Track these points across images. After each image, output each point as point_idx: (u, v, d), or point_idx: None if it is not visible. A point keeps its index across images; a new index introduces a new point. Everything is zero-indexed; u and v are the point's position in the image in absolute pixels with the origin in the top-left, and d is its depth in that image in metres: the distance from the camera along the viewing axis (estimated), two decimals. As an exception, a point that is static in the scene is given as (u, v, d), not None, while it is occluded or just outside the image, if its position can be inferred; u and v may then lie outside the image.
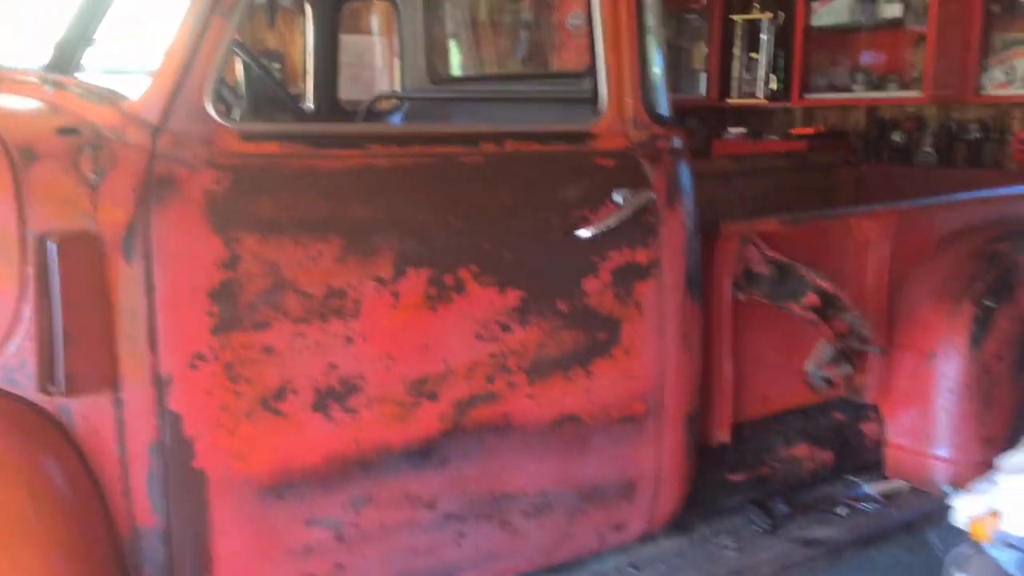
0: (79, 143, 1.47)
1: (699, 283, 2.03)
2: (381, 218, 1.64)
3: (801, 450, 2.50)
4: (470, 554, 1.82)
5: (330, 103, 3.19)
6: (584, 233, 1.81)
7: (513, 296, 1.76)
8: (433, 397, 1.71)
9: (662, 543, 2.28)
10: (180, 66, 1.52)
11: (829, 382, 2.55)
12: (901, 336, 2.63)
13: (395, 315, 1.65)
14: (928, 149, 4.72)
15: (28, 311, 1.42)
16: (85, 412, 1.46)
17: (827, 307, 2.37)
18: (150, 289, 1.47)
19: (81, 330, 1.42)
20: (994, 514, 1.51)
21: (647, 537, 2.24)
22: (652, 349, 1.93)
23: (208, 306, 1.51)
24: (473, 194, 1.73)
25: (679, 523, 2.32)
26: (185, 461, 1.53)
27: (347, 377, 1.62)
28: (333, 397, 1.62)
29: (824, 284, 2.33)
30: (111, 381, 1.46)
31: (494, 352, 1.75)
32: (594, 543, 1.99)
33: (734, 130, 5.61)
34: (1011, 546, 1.42)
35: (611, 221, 1.82)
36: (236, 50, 2.00)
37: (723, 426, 2.33)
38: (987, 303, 2.53)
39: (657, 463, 2.00)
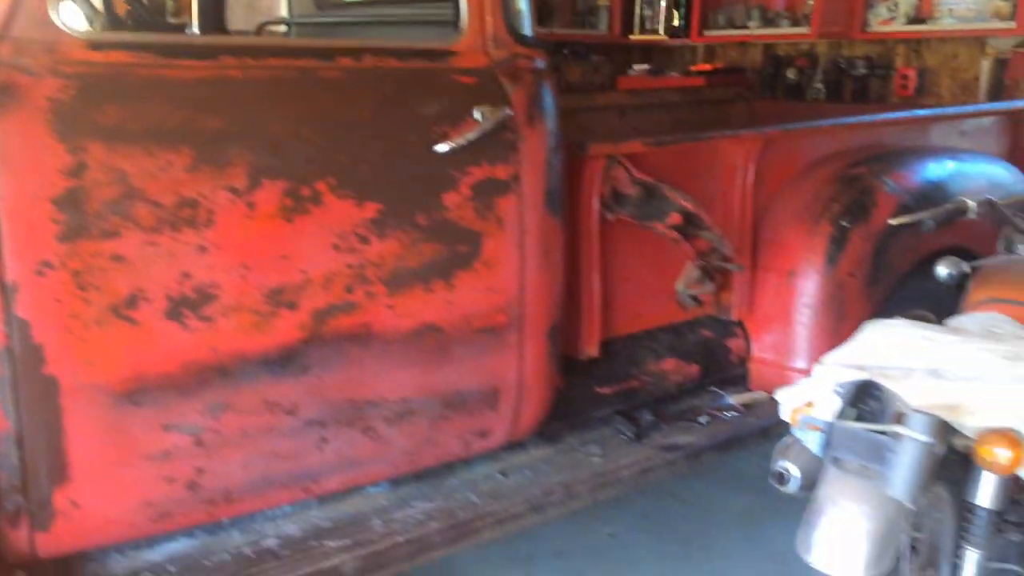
0: (-86, 48, 1.45)
1: (560, 200, 2.10)
2: (234, 129, 1.66)
3: (669, 364, 2.62)
4: (333, 459, 1.89)
5: (216, 30, 3.12)
6: (442, 148, 1.85)
7: (371, 209, 1.80)
8: (292, 306, 1.75)
9: (531, 451, 2.39)
10: (19, -29, 1.49)
11: (697, 300, 2.67)
12: (764, 257, 2.77)
13: (250, 225, 1.68)
14: (818, 85, 4.87)
15: None
16: (-74, 319, 1.46)
17: (689, 226, 2.47)
18: (-9, 197, 1.47)
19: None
20: (809, 403, 1.64)
21: (515, 445, 2.35)
22: (513, 263, 2.01)
23: (53, 214, 1.51)
24: (329, 108, 1.76)
25: (548, 433, 2.44)
26: (35, 367, 1.54)
27: (201, 286, 1.65)
28: (187, 305, 1.65)
29: (686, 204, 2.44)
30: (-47, 288, 1.46)
31: (352, 263, 1.80)
32: (459, 449, 2.08)
33: (638, 67, 5.68)
34: (814, 428, 1.55)
35: (469, 137, 1.87)
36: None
37: (591, 341, 2.44)
38: (843, 223, 2.68)
39: (520, 373, 2.09)
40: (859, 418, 1.53)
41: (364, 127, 1.79)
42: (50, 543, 1.65)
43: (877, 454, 1.48)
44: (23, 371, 1.54)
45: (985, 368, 1.63)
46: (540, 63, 2.05)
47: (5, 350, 1.52)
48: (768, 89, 5.17)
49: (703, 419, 2.62)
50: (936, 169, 2.92)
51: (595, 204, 2.34)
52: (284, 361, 1.77)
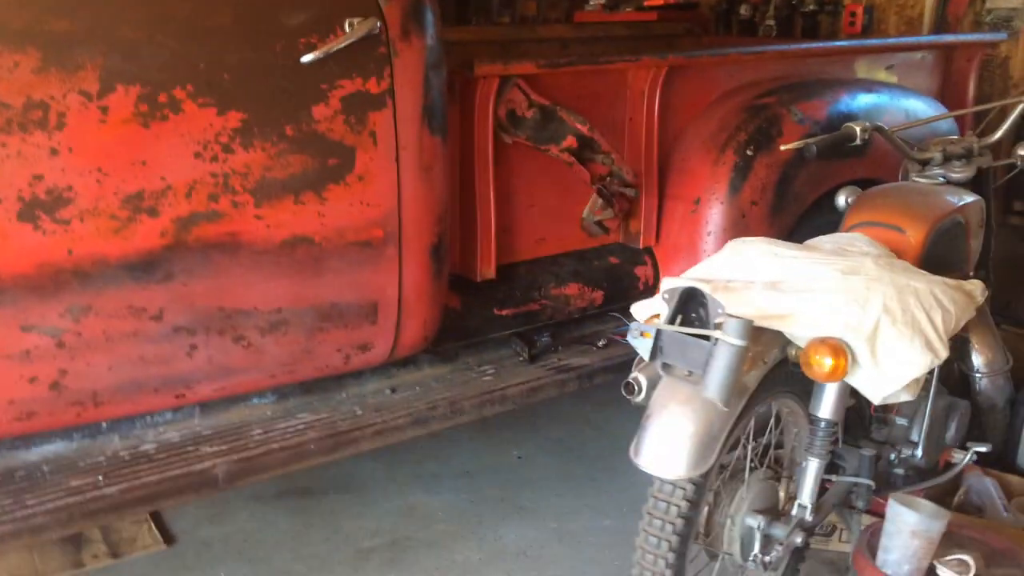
0: None
1: (442, 118, 2.11)
2: (84, 32, 1.66)
3: (572, 289, 2.65)
4: (204, 366, 1.93)
5: None
6: (308, 58, 1.86)
7: (234, 118, 1.81)
8: (153, 213, 1.77)
9: (424, 369, 2.45)
10: None
11: (603, 228, 2.70)
12: (673, 186, 2.78)
13: (104, 130, 1.70)
14: (770, 22, 4.82)
15: None
16: None
17: (585, 150, 2.49)
18: None
19: None
20: (656, 315, 1.68)
21: (407, 363, 2.40)
22: (388, 178, 2.02)
23: None
24: (186, 13, 1.76)
25: (443, 353, 2.49)
26: None
27: (54, 188, 1.67)
28: (40, 207, 1.67)
29: (582, 127, 2.45)
30: None
31: (216, 172, 1.81)
32: (339, 362, 2.12)
33: (594, 1, 5.61)
34: (645, 335, 1.59)
35: (335, 47, 1.87)
36: None
37: (487, 263, 2.47)
38: (747, 152, 2.69)
39: (400, 289, 2.12)
40: (685, 325, 1.57)
41: (224, 34, 1.79)
42: (-90, 438, 1.69)
43: (699, 359, 1.52)
44: None
45: (820, 281, 1.66)
46: (422, -23, 2.04)
47: None
48: (722, 25, 5.13)
49: (601, 342, 2.67)
50: (850, 102, 2.93)
51: (488, 125, 2.35)
52: (147, 267, 1.79)
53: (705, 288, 1.55)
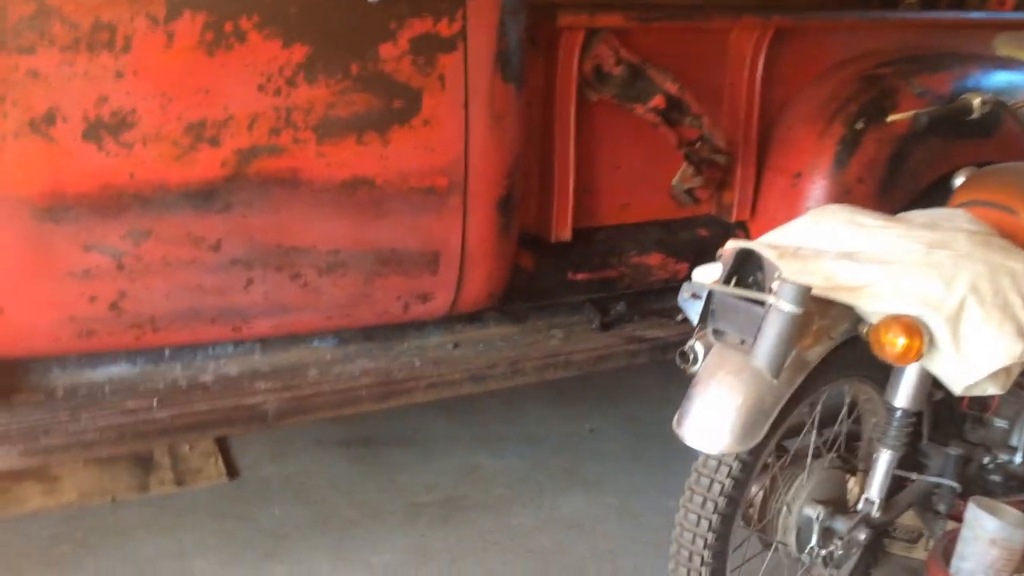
0: None
1: (518, 66, 2.02)
2: (154, -45, 1.67)
3: (654, 259, 2.54)
4: (260, 301, 1.93)
5: None
6: (377, -5, 1.81)
7: (299, 52, 1.79)
8: (214, 142, 1.77)
9: (491, 327, 2.39)
10: None
11: (693, 197, 2.56)
12: (773, 157, 2.62)
13: (170, 56, 1.70)
14: (913, -4, 4.50)
15: None
16: None
17: (673, 111, 2.35)
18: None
19: None
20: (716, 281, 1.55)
21: (471, 318, 2.34)
22: (455, 124, 1.96)
23: (-29, 24, 1.57)
24: (257, -58, 1.74)
25: (512, 313, 2.42)
26: (-44, 173, 1.63)
27: (119, 110, 1.69)
28: (105, 128, 1.69)
29: (671, 87, 2.32)
30: None
31: (278, 106, 1.80)
32: (398, 310, 2.08)
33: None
34: (694, 296, 1.47)
35: (403, -15, 1.82)
36: None
37: (563, 224, 2.38)
38: (856, 125, 2.49)
39: (464, 240, 2.06)
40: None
41: (295, -35, 1.77)
42: (-23, 346, 1.76)
43: (752, 326, 1.39)
44: (-57, 175, 1.62)
45: (902, 254, 1.50)
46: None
47: (-74, 153, 1.60)
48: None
49: (680, 317, 2.53)
50: (981, 78, 2.67)
51: (571, 80, 2.26)
52: (206, 196, 1.80)
53: (763, 250, 1.42)
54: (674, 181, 2.53)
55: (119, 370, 2.01)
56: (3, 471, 1.95)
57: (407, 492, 2.44)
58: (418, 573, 2.11)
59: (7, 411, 1.84)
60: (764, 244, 1.58)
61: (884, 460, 1.64)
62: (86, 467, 2.43)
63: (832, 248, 1.56)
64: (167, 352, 2.05)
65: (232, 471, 2.49)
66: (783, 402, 1.45)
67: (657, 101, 2.32)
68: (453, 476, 2.53)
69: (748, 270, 1.45)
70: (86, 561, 2.07)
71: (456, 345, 2.29)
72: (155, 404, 1.90)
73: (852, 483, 1.78)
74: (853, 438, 1.79)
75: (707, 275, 1.63)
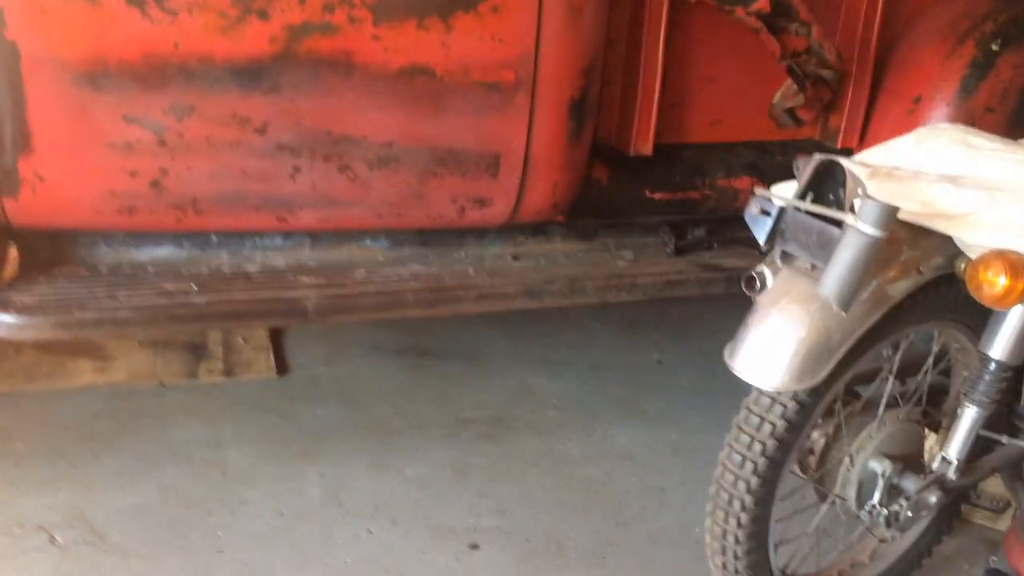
0: None
1: (602, -47, 1.83)
2: None
3: (743, 183, 2.33)
4: (307, 191, 1.83)
5: None
6: None
7: (359, -81, 1.64)
8: (263, 15, 1.65)
9: (556, 242, 2.24)
10: None
11: (796, 118, 2.33)
12: (889, 79, 2.35)
13: (220, -84, 1.58)
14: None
15: None
16: None
17: (778, 17, 2.11)
18: None
19: None
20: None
21: (536, 230, 2.20)
22: (526, 14, 1.79)
23: None
24: None
25: (580, 228, 2.27)
26: (-2, 30, 1.56)
27: (165, -27, 1.59)
28: (149, -8, 1.59)
29: (776, -13, 2.07)
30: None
31: (333, -21, 1.67)
32: (453, 214, 1.96)
33: None
34: (763, 212, 1.28)
35: None
36: None
37: (643, 137, 2.19)
38: (991, 46, 2.19)
39: (526, 143, 1.91)
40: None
41: None
42: (19, 212, 1.72)
43: (826, 250, 1.21)
44: (-14, 31, 1.56)
45: (1015, 181, 1.27)
46: None
47: (-31, 6, 1.54)
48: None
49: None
50: None
51: (666, -24, 2.04)
52: (253, 74, 1.69)
53: (846, 162, 1.21)
54: (775, 99, 2.30)
55: (164, 252, 1.96)
56: (49, 343, 1.94)
57: (455, 406, 2.35)
58: (452, 488, 2.03)
59: (47, 282, 1.81)
60: (855, 161, 1.37)
61: (969, 417, 1.44)
62: (140, 349, 2.43)
63: (934, 171, 1.34)
64: (214, 238, 1.98)
65: (282, 367, 2.45)
66: (853, 340, 1.26)
67: (761, 3, 2.07)
68: (506, 395, 2.43)
69: (828, 186, 1.26)
70: (124, 440, 2.07)
71: (516, 257, 2.16)
72: (194, 288, 1.84)
73: (931, 441, 1.59)
74: (938, 392, 1.58)
75: (786, 191, 1.44)
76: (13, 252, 1.85)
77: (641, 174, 2.25)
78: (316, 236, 2.04)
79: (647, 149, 2.20)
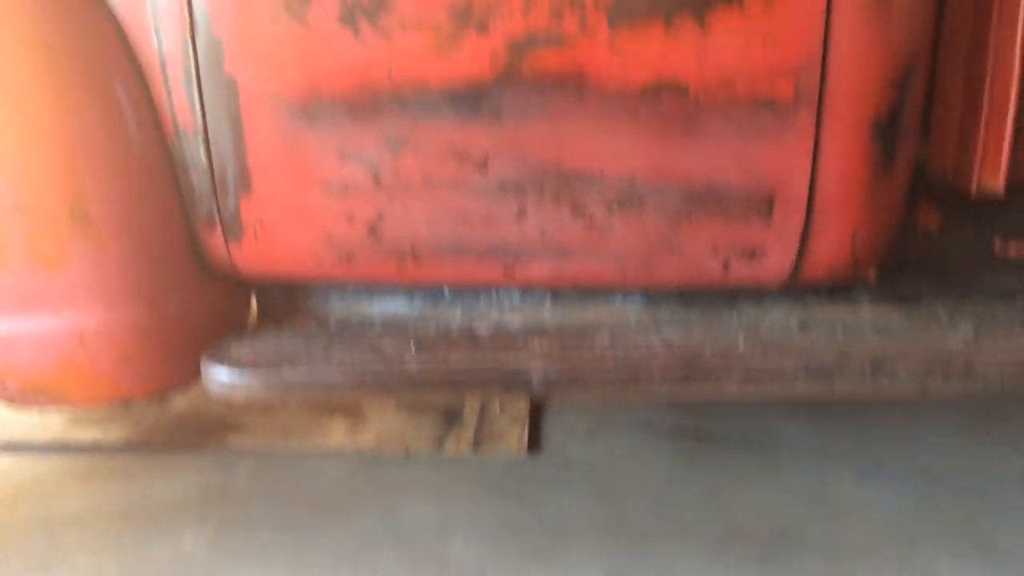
0: None
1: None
2: None
3: None
4: (535, 237, 1.55)
5: None
6: None
7: (594, -94, 1.35)
8: (482, 29, 1.42)
9: (862, 305, 1.74)
10: None
11: None
12: None
13: (435, -82, 1.38)
14: None
15: None
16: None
17: None
18: None
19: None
20: None
21: (834, 291, 1.72)
22: (811, 5, 1.37)
23: None
24: None
25: (902, 291, 1.75)
26: (216, 64, 1.48)
27: (376, -10, 1.42)
28: (361, 10, 1.43)
29: None
30: (141, -36, 1.45)
31: (563, -19, 1.39)
32: (714, 267, 1.57)
33: None
34: None
35: None
36: None
37: (992, 170, 1.63)
38: None
39: (811, 177, 1.47)
40: None
41: None
42: (244, 259, 1.63)
43: None
44: (205, 67, 1.49)
45: None
46: None
47: (188, 41, 1.48)
48: None
49: None
50: None
51: (1028, -49, 1.51)
52: (470, 100, 1.46)
53: None
54: None
55: (395, 306, 1.78)
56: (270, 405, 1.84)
57: (729, 511, 1.90)
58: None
59: (274, 336, 1.70)
60: None
61: None
62: (395, 410, 2.29)
63: None
64: (447, 293, 1.77)
65: (535, 443, 2.17)
66: None
67: None
68: (795, 502, 1.93)
69: None
70: (354, 514, 1.91)
71: (803, 326, 1.69)
72: (411, 351, 1.63)
73: None
74: None
75: None
76: (252, 303, 1.80)
77: (989, 219, 1.69)
78: (558, 293, 1.76)
79: (997, 186, 1.63)
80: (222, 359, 1.61)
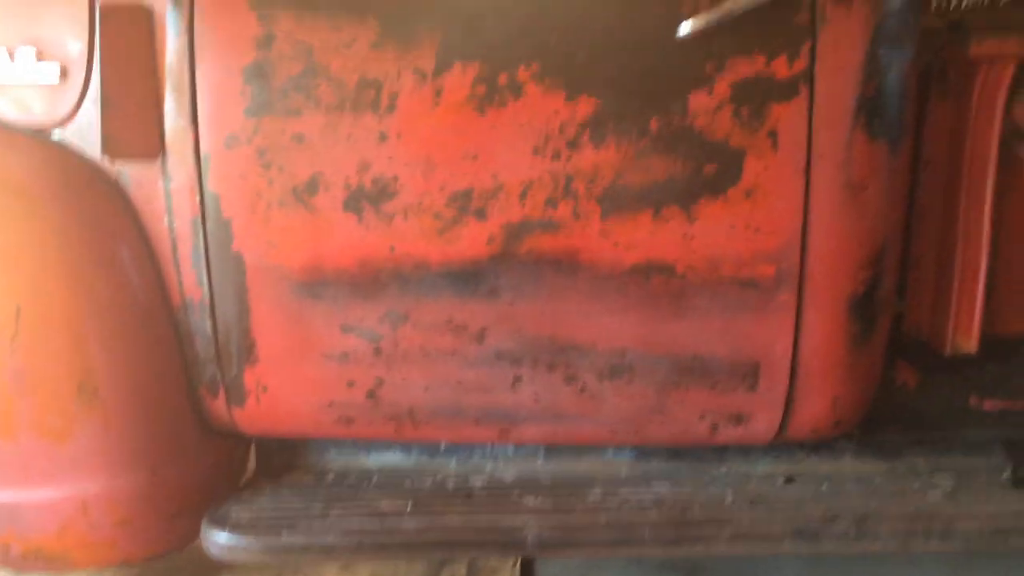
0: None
1: (893, 114, 1.47)
2: (425, 1, 1.44)
3: (1113, 390, 1.74)
4: (530, 403, 1.61)
5: None
6: (685, 29, 1.40)
7: (586, 105, 1.44)
8: (480, 215, 1.50)
9: (845, 460, 1.80)
10: None
11: None
12: None
13: (436, 115, 1.47)
14: None
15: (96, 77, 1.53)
16: (139, 180, 1.55)
17: None
18: (192, 63, 1.49)
19: (123, 96, 1.50)
20: None
21: (818, 445, 1.78)
22: (790, 196, 1.46)
23: (242, 86, 1.48)
24: (541, -25, 1.44)
25: (883, 445, 1.81)
26: (225, 242, 1.55)
27: (380, 177, 1.49)
28: (365, 197, 1.50)
29: None
30: (155, 151, 1.52)
31: (557, 172, 1.47)
32: (702, 431, 1.63)
33: None
34: None
35: (725, 13, 1.38)
36: None
37: (965, 330, 1.72)
38: None
39: (793, 350, 1.54)
40: None
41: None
42: (245, 421, 1.67)
43: None
44: (214, 244, 1.55)
45: None
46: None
47: (199, 220, 1.55)
48: None
49: None
50: None
51: (991, 131, 1.61)
52: (469, 277, 1.53)
53: None
54: None
55: (392, 459, 1.82)
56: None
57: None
58: None
59: (272, 493, 1.74)
60: None
61: None
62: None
63: None
64: (442, 445, 1.82)
65: (530, 577, 2.19)
66: None
67: None
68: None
69: None
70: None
71: (789, 479, 1.75)
72: (407, 509, 1.67)
73: None
74: None
75: None
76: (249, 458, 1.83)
77: (964, 375, 1.76)
78: (551, 447, 1.81)
79: (970, 346, 1.72)
80: (222, 523, 1.64)
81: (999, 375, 1.77)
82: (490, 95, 1.45)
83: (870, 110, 1.44)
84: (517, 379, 1.59)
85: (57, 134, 1.55)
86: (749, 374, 1.56)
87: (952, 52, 1.58)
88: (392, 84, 1.46)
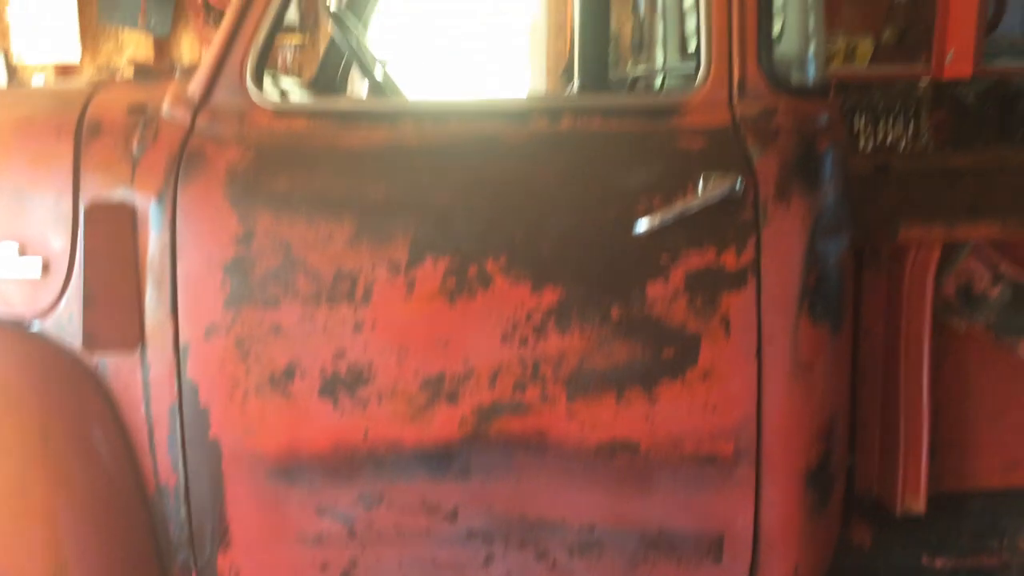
0: (138, 120, 1.60)
1: (832, 300, 1.58)
2: (398, 199, 1.54)
3: (1056, 543, 1.83)
4: (502, 581, 1.63)
5: (597, 78, 2.89)
6: (642, 226, 1.51)
7: (551, 295, 1.53)
8: (452, 399, 1.56)
9: (809, 623, 1.83)
10: (224, 43, 1.58)
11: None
12: None
13: (409, 305, 1.54)
14: None
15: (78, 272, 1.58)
16: (117, 370, 1.59)
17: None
18: (174, 258, 1.55)
19: (104, 292, 1.55)
20: None
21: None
22: (743, 377, 1.56)
23: (222, 279, 1.54)
24: (507, 176, 1.55)
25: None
26: (202, 429, 1.58)
27: (355, 365, 1.55)
28: (341, 384, 1.56)
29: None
30: (135, 343, 1.56)
31: (524, 358, 1.55)
32: (672, 602, 1.66)
33: None
34: None
35: (677, 212, 1.50)
36: (334, 23, 1.99)
37: (912, 492, 1.81)
38: None
39: (755, 521, 1.60)
40: None
41: (548, 198, 1.54)
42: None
43: None
44: (191, 432, 1.58)
45: None
46: (820, 120, 1.58)
47: (176, 408, 1.58)
48: None
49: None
50: None
51: (923, 307, 1.74)
52: (442, 459, 1.58)
53: None
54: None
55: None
56: None
57: None
58: None
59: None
60: None
61: None
62: None
63: None
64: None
65: None
66: None
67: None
68: None
69: None
70: None
71: (757, 646, 1.78)
72: None
73: None
74: None
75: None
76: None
77: (915, 534, 1.84)
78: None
79: (918, 506, 1.80)
80: None
81: (948, 532, 1.84)
82: (460, 286, 1.53)
83: (813, 296, 1.55)
84: (489, 557, 1.62)
85: (36, 325, 1.59)
86: (714, 547, 1.61)
87: (883, 236, 1.71)
88: (367, 275, 1.54)
